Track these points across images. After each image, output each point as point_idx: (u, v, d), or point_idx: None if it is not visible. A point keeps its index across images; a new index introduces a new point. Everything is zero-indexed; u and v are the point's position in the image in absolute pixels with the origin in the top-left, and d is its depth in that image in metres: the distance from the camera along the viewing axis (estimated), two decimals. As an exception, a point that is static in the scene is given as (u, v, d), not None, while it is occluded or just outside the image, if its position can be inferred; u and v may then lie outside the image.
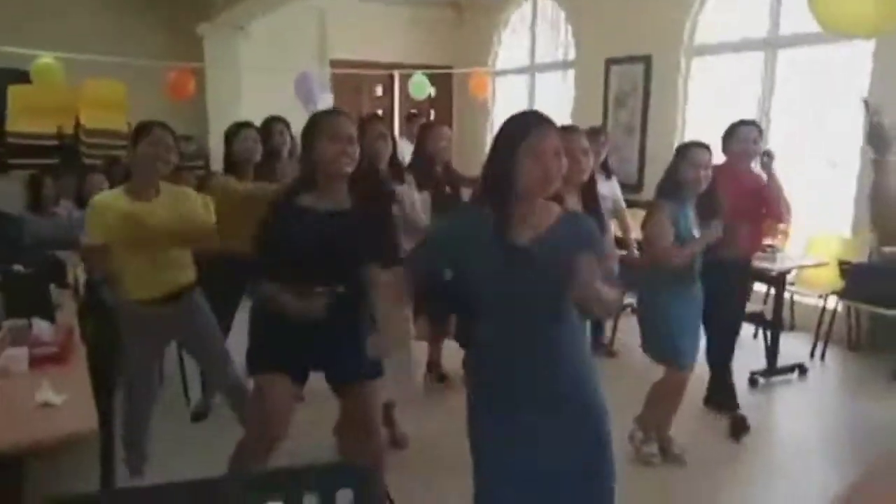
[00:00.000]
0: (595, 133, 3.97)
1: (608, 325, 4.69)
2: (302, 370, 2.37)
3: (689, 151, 2.98)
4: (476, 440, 1.87)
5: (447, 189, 3.70)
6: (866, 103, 2.05)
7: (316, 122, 2.27)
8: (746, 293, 3.83)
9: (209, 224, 2.84)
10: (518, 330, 1.77)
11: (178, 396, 3.74)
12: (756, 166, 3.58)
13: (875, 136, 1.96)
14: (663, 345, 3.06)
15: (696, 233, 2.99)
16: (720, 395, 3.70)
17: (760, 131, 3.56)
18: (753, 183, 3.53)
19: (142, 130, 2.69)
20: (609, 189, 4.13)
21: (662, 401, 3.17)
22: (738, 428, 3.49)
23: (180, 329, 2.90)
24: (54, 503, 1.51)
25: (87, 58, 6.15)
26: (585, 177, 2.38)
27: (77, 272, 3.11)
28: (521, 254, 1.71)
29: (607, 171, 4.30)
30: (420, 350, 3.82)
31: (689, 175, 2.95)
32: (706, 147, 3.04)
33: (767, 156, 3.52)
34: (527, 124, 1.75)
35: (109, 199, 2.73)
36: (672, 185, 3.01)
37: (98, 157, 6.10)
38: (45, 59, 5.95)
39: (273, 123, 3.91)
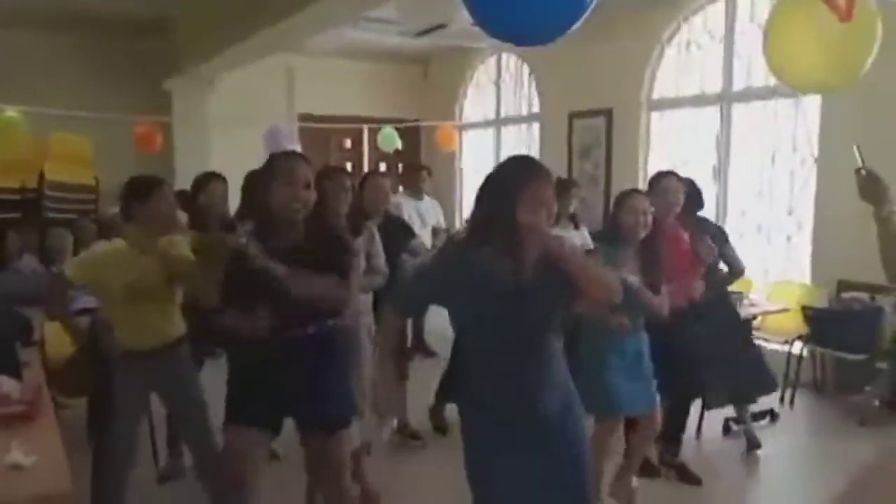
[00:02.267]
0: (566, 185, 4.07)
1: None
2: (275, 418, 2.33)
3: (627, 197, 3.02)
4: (476, 473, 1.95)
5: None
6: (859, 150, 2.04)
7: (272, 165, 2.26)
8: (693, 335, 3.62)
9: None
10: (508, 355, 1.88)
11: (146, 456, 3.61)
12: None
13: (872, 184, 1.97)
14: (598, 396, 2.88)
15: (632, 279, 2.90)
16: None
17: (681, 182, 3.50)
18: (679, 236, 3.47)
19: (154, 186, 2.68)
20: (580, 238, 4.19)
21: (601, 451, 3.00)
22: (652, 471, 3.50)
23: (165, 382, 2.81)
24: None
25: (52, 111, 6.11)
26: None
27: (44, 329, 3.04)
28: (522, 287, 1.83)
29: (575, 222, 4.36)
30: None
31: (627, 220, 2.95)
32: (644, 194, 3.09)
33: (721, 234, 3.62)
34: (530, 172, 1.86)
35: (112, 248, 2.74)
36: (611, 231, 3.05)
37: (63, 211, 6.01)
38: (9, 112, 5.89)
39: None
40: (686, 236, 3.53)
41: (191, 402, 2.83)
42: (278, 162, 2.27)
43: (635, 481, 3.23)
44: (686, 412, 3.70)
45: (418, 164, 6.53)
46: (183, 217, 3.33)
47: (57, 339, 3.47)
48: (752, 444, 3.89)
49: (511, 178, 1.86)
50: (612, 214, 3.07)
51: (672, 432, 3.61)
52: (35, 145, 6.28)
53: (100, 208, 6.32)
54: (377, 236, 3.27)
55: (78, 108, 6.41)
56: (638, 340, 3.05)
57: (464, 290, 1.86)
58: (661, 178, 3.51)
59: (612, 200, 6.68)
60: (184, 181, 5.58)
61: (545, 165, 1.91)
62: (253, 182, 3.57)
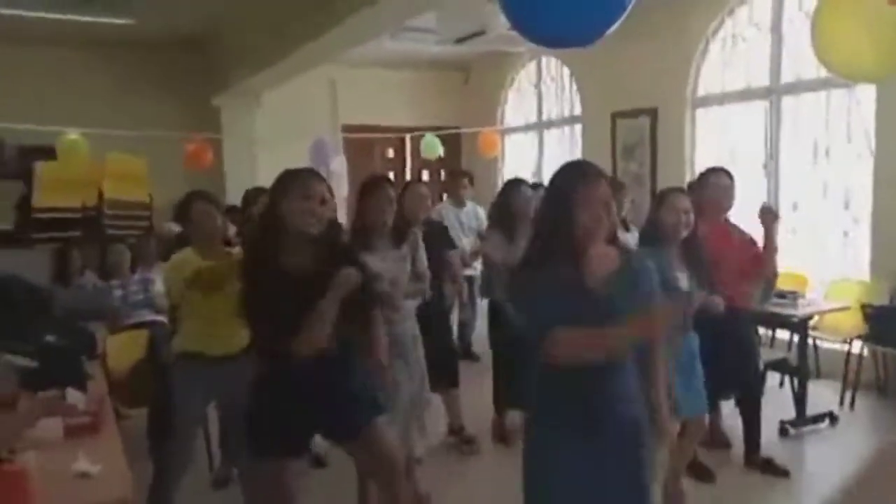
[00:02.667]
0: (615, 187, 4.00)
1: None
2: (304, 441, 2.39)
3: (668, 196, 2.97)
4: (537, 479, 1.94)
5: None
6: None
7: (285, 180, 2.24)
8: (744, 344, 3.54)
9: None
10: (589, 368, 1.86)
11: (200, 462, 3.71)
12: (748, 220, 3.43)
13: None
14: None
15: (682, 278, 2.90)
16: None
17: (732, 178, 3.41)
18: (733, 235, 3.40)
19: (187, 204, 2.90)
20: (632, 240, 4.10)
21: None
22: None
23: (226, 390, 2.85)
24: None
25: (108, 132, 6.36)
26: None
27: (106, 343, 3.16)
28: (594, 295, 1.83)
29: (626, 224, 4.27)
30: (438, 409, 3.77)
31: (668, 219, 2.91)
32: (685, 192, 3.04)
33: (769, 212, 3.34)
34: (579, 176, 1.87)
35: (184, 255, 2.88)
36: (652, 231, 2.99)
37: (121, 228, 6.24)
38: (71, 135, 6.16)
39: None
40: (741, 234, 3.45)
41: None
42: (291, 176, 2.26)
43: (684, 483, 3.19)
44: (757, 408, 3.63)
45: (459, 171, 6.54)
46: (232, 230, 3.44)
47: (118, 352, 3.62)
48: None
49: (565, 182, 1.88)
50: (653, 214, 3.03)
51: (752, 431, 3.62)
52: (93, 165, 6.56)
53: (154, 224, 6.53)
54: (421, 243, 3.28)
55: (130, 127, 6.67)
56: (690, 342, 3.01)
57: (541, 298, 1.87)
58: (711, 175, 3.44)
59: (658, 200, 6.62)
60: (234, 196, 5.76)
61: (596, 165, 1.93)
62: (248, 198, 3.69)
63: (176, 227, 4.14)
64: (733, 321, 3.22)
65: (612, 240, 2.45)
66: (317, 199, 2.20)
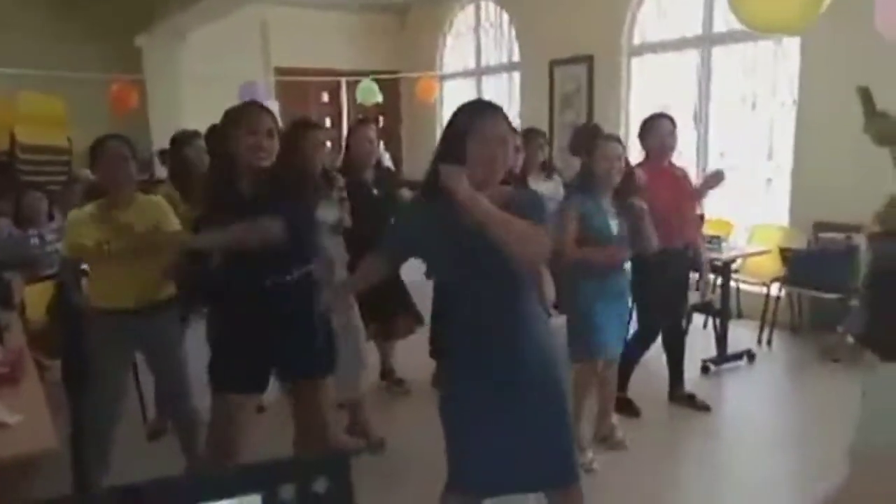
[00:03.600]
0: (530, 136, 4.05)
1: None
2: (262, 375, 2.38)
3: (600, 145, 3.04)
4: (452, 421, 1.92)
5: (375, 192, 3.59)
6: (865, 91, 1.89)
7: (231, 115, 2.25)
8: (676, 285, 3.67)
9: (180, 232, 2.76)
10: (485, 309, 1.83)
11: (134, 413, 3.64)
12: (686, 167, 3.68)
13: (888, 125, 1.84)
14: (586, 339, 3.03)
15: (615, 225, 2.99)
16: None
17: (674, 124, 3.54)
18: (676, 176, 3.56)
19: (96, 147, 2.68)
20: (552, 189, 4.11)
21: (584, 393, 3.15)
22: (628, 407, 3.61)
23: (146, 343, 2.82)
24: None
25: (21, 72, 5.95)
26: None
27: (23, 293, 3.02)
28: (477, 236, 1.73)
29: (548, 171, 4.28)
30: (371, 355, 3.79)
31: (601, 167, 2.98)
32: (617, 139, 3.11)
33: (719, 177, 3.54)
34: (474, 112, 1.83)
35: (84, 211, 2.73)
36: (586, 179, 3.06)
37: (37, 174, 5.89)
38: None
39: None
40: (682, 174, 3.60)
41: (172, 366, 2.84)
42: (239, 111, 2.25)
43: (615, 418, 3.35)
44: (682, 346, 3.82)
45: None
46: (162, 172, 3.30)
47: (37, 302, 3.47)
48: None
49: (462, 117, 1.83)
50: (585, 163, 3.09)
51: (676, 368, 3.80)
52: (3, 106, 6.13)
53: (73, 170, 6.20)
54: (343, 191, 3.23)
55: (49, 67, 6.24)
56: (622, 280, 3.11)
57: (431, 243, 1.85)
58: (655, 121, 3.54)
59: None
60: (160, 139, 5.52)
61: (493, 103, 1.89)
62: (178, 140, 3.58)
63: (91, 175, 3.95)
64: (668, 260, 3.35)
65: (511, 181, 2.42)
66: (263, 133, 2.19)
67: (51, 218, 4.48)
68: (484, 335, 1.85)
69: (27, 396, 2.09)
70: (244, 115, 2.23)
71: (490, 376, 1.85)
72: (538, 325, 1.91)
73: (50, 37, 7.03)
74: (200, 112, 6.53)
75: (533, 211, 1.78)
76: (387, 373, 4.09)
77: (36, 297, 3.52)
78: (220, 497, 0.69)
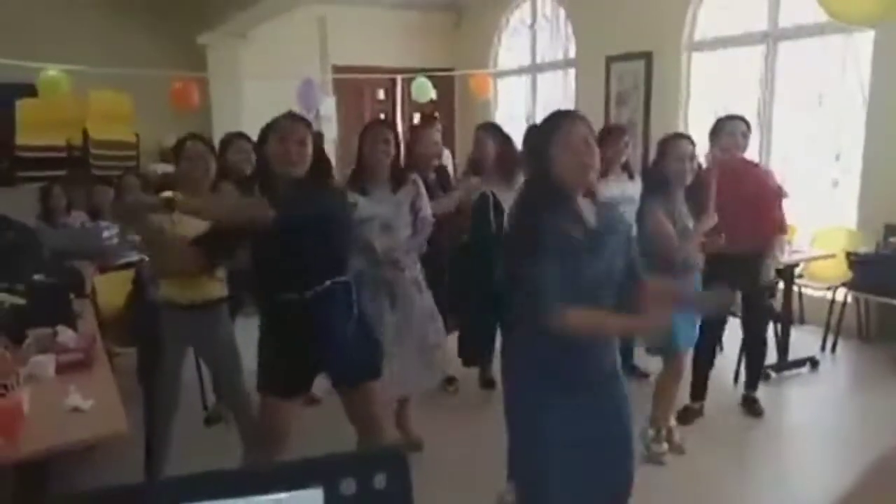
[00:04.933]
0: (616, 133, 3.90)
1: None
2: (302, 382, 2.43)
3: (671, 144, 2.99)
4: (540, 423, 1.87)
5: (440, 194, 3.59)
6: None
7: (271, 124, 2.33)
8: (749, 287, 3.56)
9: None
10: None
11: (194, 401, 3.77)
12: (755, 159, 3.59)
13: None
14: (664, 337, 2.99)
15: (691, 224, 2.97)
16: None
17: (748, 125, 3.47)
18: (752, 175, 3.49)
19: (177, 147, 2.83)
20: (635, 189, 3.70)
21: (667, 392, 3.19)
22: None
23: (201, 339, 2.92)
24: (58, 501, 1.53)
25: (91, 70, 6.20)
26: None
27: (94, 281, 3.16)
28: (596, 237, 1.79)
29: (629, 171, 3.94)
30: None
31: (673, 168, 2.94)
32: (688, 138, 3.05)
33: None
34: (555, 119, 1.86)
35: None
36: (658, 180, 3.01)
37: (106, 168, 6.15)
38: (51, 71, 5.99)
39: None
40: (760, 172, 3.54)
41: (225, 363, 2.92)
42: (276, 121, 2.31)
43: (673, 421, 3.30)
44: (763, 348, 3.77)
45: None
46: None
47: (108, 292, 3.63)
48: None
49: (543, 126, 1.86)
50: (657, 162, 3.03)
51: (754, 370, 3.76)
52: (76, 103, 6.41)
53: (141, 165, 6.45)
54: (423, 190, 3.18)
55: (115, 65, 6.49)
56: (694, 279, 3.08)
57: (546, 252, 1.78)
58: (728, 121, 3.47)
59: (650, 147, 6.58)
60: (221, 135, 5.66)
61: (572, 110, 1.96)
62: (224, 143, 3.68)
63: (161, 169, 4.09)
64: (746, 261, 3.32)
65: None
66: (292, 141, 2.22)
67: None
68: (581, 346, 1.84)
69: (99, 382, 2.19)
70: (278, 122, 2.29)
71: (575, 377, 1.85)
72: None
73: (116, 36, 7.28)
74: (260, 110, 6.68)
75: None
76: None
77: (107, 286, 3.68)
78: (282, 489, 0.70)
